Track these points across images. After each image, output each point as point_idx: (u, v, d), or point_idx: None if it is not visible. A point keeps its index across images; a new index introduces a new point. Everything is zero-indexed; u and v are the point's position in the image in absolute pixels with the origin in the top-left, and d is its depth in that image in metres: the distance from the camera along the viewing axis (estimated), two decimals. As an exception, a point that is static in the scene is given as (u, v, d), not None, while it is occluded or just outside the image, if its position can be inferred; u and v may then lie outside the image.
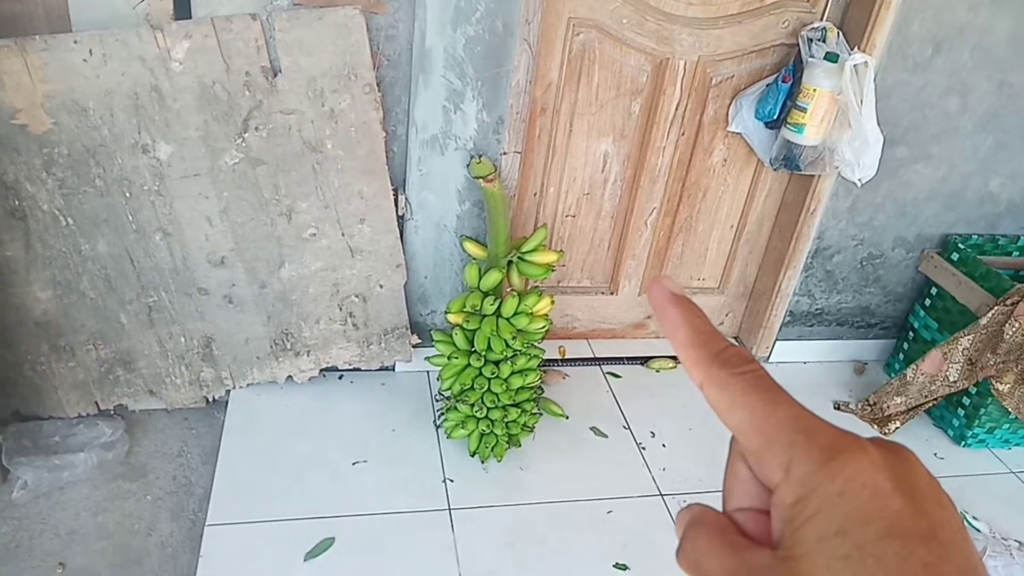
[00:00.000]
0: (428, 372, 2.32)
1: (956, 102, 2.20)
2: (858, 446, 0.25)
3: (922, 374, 2.33)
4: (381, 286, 2.09)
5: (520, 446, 2.08)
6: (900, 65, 2.10)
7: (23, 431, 1.93)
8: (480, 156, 1.95)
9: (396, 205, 2.00)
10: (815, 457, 0.25)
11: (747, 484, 0.29)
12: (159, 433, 2.06)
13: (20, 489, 1.82)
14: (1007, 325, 2.12)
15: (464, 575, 1.76)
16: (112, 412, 2.07)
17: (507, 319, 1.94)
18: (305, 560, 1.73)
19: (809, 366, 2.67)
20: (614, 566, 1.83)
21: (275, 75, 1.75)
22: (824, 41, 2.01)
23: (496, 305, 1.92)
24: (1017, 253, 2.50)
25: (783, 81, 2.05)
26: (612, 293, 2.54)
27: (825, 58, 1.95)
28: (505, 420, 1.97)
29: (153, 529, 1.81)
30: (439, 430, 2.13)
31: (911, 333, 2.57)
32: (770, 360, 2.65)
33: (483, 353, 1.93)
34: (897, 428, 2.39)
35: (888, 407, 2.40)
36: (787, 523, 0.25)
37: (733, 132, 2.23)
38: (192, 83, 1.72)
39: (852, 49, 1.98)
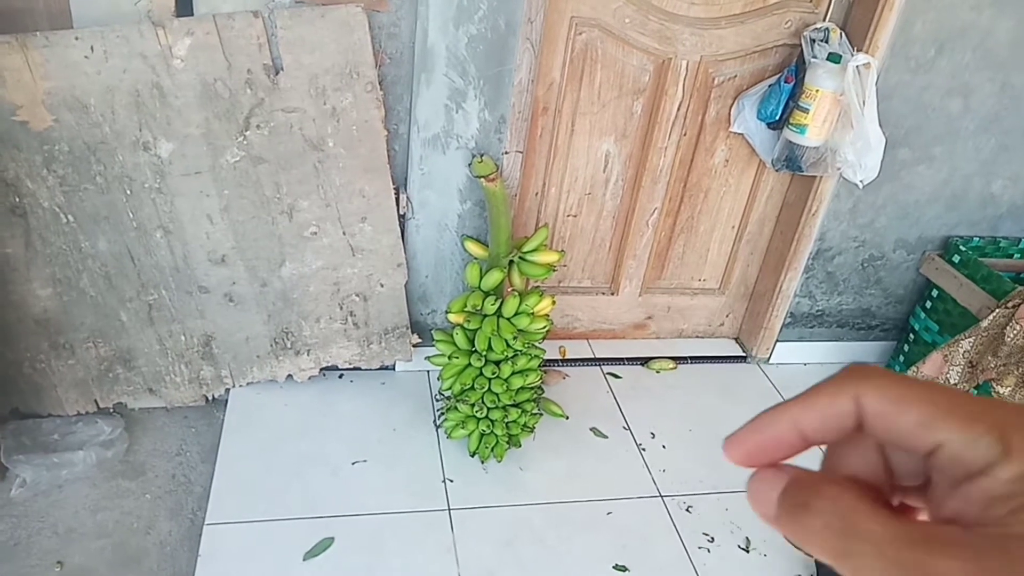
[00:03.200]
0: (428, 372, 2.31)
1: (958, 103, 2.20)
2: None
3: (922, 376, 2.32)
4: (382, 285, 2.08)
5: (520, 446, 2.08)
6: (902, 66, 2.10)
7: (22, 429, 1.93)
8: (482, 155, 1.95)
9: (397, 204, 2.00)
10: None
11: (873, 465, 0.28)
12: (158, 431, 2.06)
13: (19, 487, 1.81)
14: (1008, 328, 2.12)
15: (463, 575, 1.75)
16: (111, 410, 2.06)
17: (508, 319, 1.93)
18: (304, 559, 1.73)
19: (809, 367, 2.67)
20: (614, 567, 1.83)
21: (277, 73, 1.75)
22: (827, 42, 2.01)
23: (497, 305, 1.92)
24: (1018, 255, 2.49)
25: (785, 82, 2.04)
26: (613, 293, 2.54)
27: (828, 59, 1.95)
28: (505, 420, 1.97)
29: (152, 528, 1.80)
30: (439, 430, 2.13)
31: (912, 335, 2.57)
32: (770, 361, 2.65)
33: (484, 353, 1.92)
34: (897, 430, 2.39)
35: (889, 409, 2.39)
36: (1005, 500, 0.24)
37: (735, 132, 2.23)
38: (193, 80, 1.71)
39: (855, 50, 1.98)
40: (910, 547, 0.24)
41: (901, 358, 2.62)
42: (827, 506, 0.25)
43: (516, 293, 1.97)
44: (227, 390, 2.14)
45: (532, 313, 1.95)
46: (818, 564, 1.88)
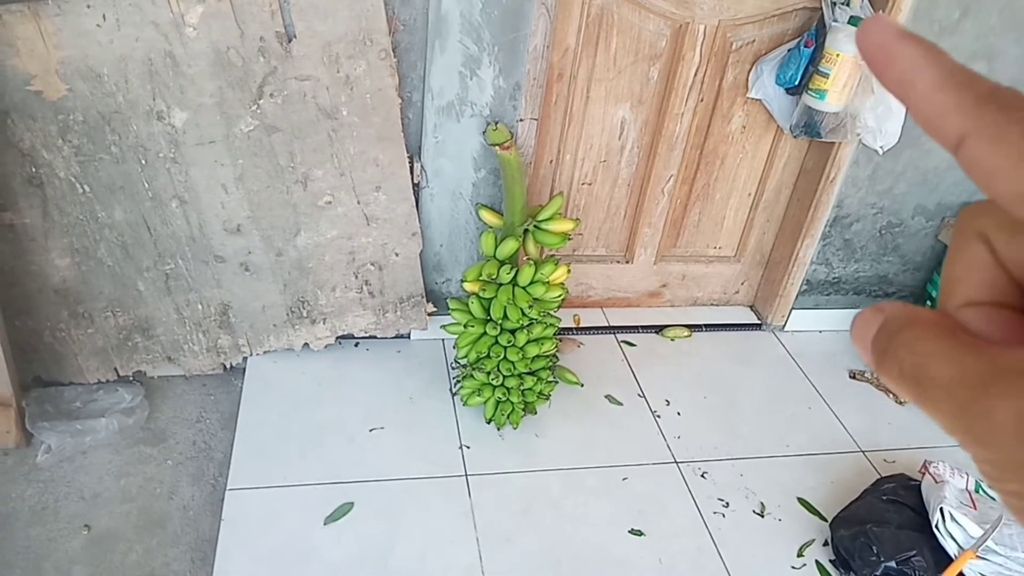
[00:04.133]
0: (444, 340, 2.32)
1: (983, 67, 2.15)
2: None
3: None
4: (397, 254, 2.09)
5: (536, 413, 2.09)
6: (926, 29, 2.05)
7: (45, 396, 1.96)
8: (496, 123, 1.93)
9: (412, 173, 1.99)
10: None
11: (987, 273, 0.23)
12: (178, 399, 2.08)
13: (44, 453, 1.85)
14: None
15: (481, 540, 1.78)
16: (131, 378, 2.09)
17: (523, 288, 1.94)
18: (325, 524, 1.76)
19: (825, 335, 2.66)
20: (629, 532, 1.85)
21: (290, 41, 1.73)
22: (848, 5, 1.96)
23: (512, 274, 1.92)
24: (1039, 222, 2.46)
25: (805, 46, 2.01)
26: (628, 262, 2.53)
27: (849, 22, 1.91)
28: (521, 388, 1.98)
29: (175, 493, 1.84)
30: (455, 397, 2.15)
31: (929, 302, 2.55)
32: (785, 329, 2.64)
33: (499, 322, 1.93)
34: (912, 397, 2.39)
35: (904, 377, 2.39)
36: None
37: (753, 98, 2.20)
38: (206, 49, 1.70)
39: (877, 13, 1.93)
40: (978, 387, 0.20)
41: (917, 326, 2.61)
42: (903, 351, 0.22)
43: (531, 262, 1.97)
44: (244, 359, 2.16)
45: (547, 282, 1.95)
46: (832, 528, 1.90)
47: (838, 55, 1.93)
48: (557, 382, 2.14)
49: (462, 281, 2.00)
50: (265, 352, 2.16)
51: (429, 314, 2.22)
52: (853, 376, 2.48)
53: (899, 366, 0.22)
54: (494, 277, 1.92)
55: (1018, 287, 0.22)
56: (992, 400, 0.20)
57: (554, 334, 2.02)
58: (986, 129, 0.21)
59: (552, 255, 2.15)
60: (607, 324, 2.55)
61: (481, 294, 1.94)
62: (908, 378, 0.22)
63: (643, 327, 2.55)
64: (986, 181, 0.21)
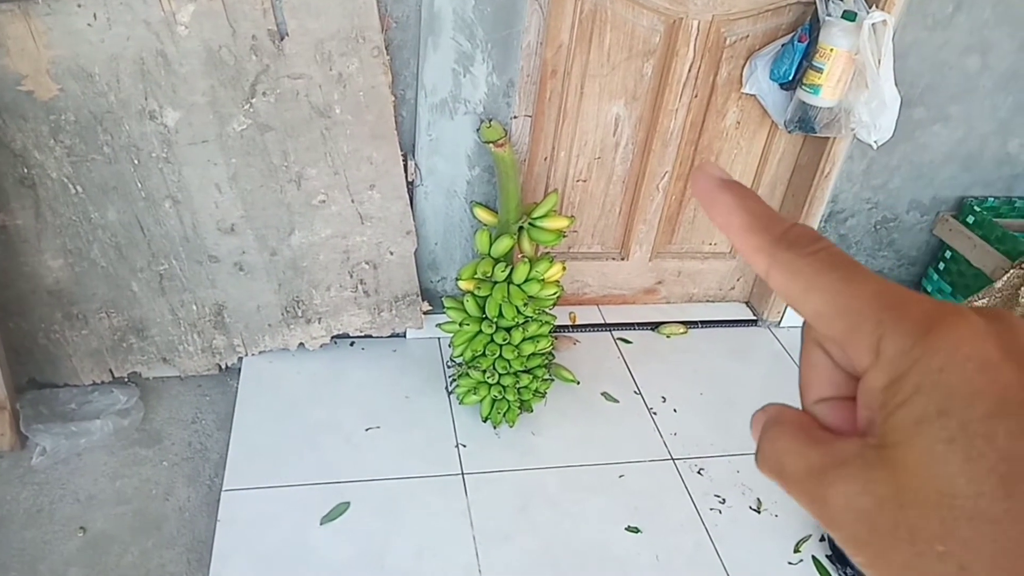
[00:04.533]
0: (439, 339, 2.32)
1: (976, 61, 2.15)
2: (958, 313, 0.22)
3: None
4: (391, 253, 2.08)
5: (532, 411, 2.09)
6: (919, 23, 2.05)
7: (40, 398, 1.95)
8: (490, 120, 1.93)
9: (406, 171, 1.98)
10: (909, 332, 0.22)
11: (827, 372, 0.26)
12: (173, 400, 2.08)
13: (39, 455, 1.84)
14: (1022, 288, 2.10)
15: (478, 538, 1.78)
16: (126, 380, 2.09)
17: (518, 285, 1.93)
18: (321, 524, 1.76)
19: (820, 331, 2.65)
20: (626, 529, 1.85)
21: (282, 39, 1.73)
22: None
23: (507, 271, 1.92)
24: (1034, 216, 2.46)
25: (799, 41, 2.00)
26: (623, 259, 2.53)
27: (843, 16, 1.90)
28: (517, 386, 1.98)
29: (170, 494, 1.83)
30: (451, 396, 2.14)
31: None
32: (781, 325, 2.64)
33: (494, 320, 1.92)
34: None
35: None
36: (879, 409, 0.22)
37: (747, 94, 2.19)
38: (198, 47, 1.69)
39: (870, 7, 1.93)
40: (816, 477, 0.23)
41: (913, 320, 2.61)
42: (768, 448, 0.26)
43: (526, 259, 1.96)
44: (240, 359, 2.15)
45: (542, 279, 1.94)
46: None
47: (832, 50, 1.92)
48: (553, 380, 2.13)
49: (457, 279, 2.00)
50: (260, 352, 2.15)
51: (424, 313, 2.21)
52: (849, 371, 2.48)
53: (765, 461, 0.26)
54: (489, 275, 1.91)
55: (856, 381, 0.25)
56: (828, 487, 0.23)
57: (549, 332, 2.01)
58: (781, 264, 0.25)
59: (547, 252, 2.15)
60: (603, 321, 2.55)
61: (476, 292, 1.93)
62: (773, 472, 0.25)
63: (639, 324, 2.55)
64: (790, 304, 0.26)
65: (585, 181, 2.32)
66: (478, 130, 1.95)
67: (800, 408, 0.27)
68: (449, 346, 2.09)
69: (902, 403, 0.22)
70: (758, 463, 0.26)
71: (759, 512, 1.95)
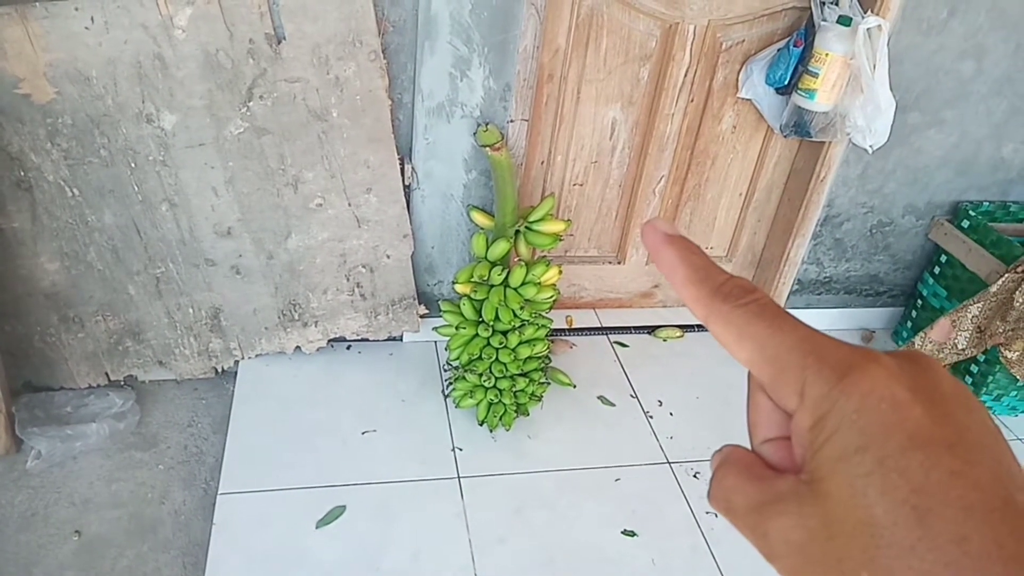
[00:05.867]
0: (436, 342, 2.32)
1: (971, 66, 2.16)
2: (871, 359, 0.24)
3: (930, 342, 2.32)
4: (388, 256, 2.08)
5: (528, 415, 2.09)
6: (914, 28, 2.06)
7: (35, 402, 1.95)
8: (487, 124, 1.93)
9: (402, 174, 1.99)
10: (828, 377, 0.24)
11: (769, 414, 0.28)
12: (169, 403, 2.07)
13: (34, 459, 1.84)
14: (1017, 292, 2.11)
15: (474, 541, 1.78)
16: (122, 383, 2.08)
17: (515, 289, 1.93)
18: (317, 527, 1.75)
19: (817, 334, 2.66)
20: (622, 532, 1.85)
21: (279, 42, 1.73)
22: (837, 4, 1.97)
23: (504, 275, 1.92)
24: (1029, 220, 2.47)
25: (795, 45, 2.01)
26: (619, 263, 2.53)
27: (838, 21, 1.91)
28: (513, 389, 1.98)
29: (166, 498, 1.83)
30: (447, 400, 2.14)
31: (920, 301, 2.56)
32: (777, 329, 2.64)
33: (491, 323, 1.93)
34: (904, 396, 2.39)
35: (896, 375, 2.39)
36: (807, 447, 0.24)
37: (743, 98, 2.20)
38: (195, 51, 1.69)
39: (865, 12, 1.94)
40: (757, 512, 0.25)
41: (909, 324, 2.62)
42: (716, 486, 0.28)
43: (523, 263, 1.96)
44: (236, 362, 2.15)
45: (539, 283, 1.95)
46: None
47: (827, 54, 1.93)
48: (549, 383, 2.13)
49: (453, 283, 2.00)
50: (257, 355, 2.15)
51: (421, 316, 2.21)
52: (845, 375, 2.48)
53: (715, 498, 0.27)
54: (485, 279, 1.91)
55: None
56: (767, 522, 0.25)
57: (546, 335, 2.02)
58: (717, 315, 0.28)
59: (543, 256, 2.15)
60: (599, 325, 2.55)
61: (472, 296, 1.94)
62: (721, 508, 0.27)
63: (635, 328, 2.55)
64: (727, 350, 0.28)
65: (581, 185, 2.32)
66: (475, 134, 1.96)
67: (750, 448, 0.29)
68: (445, 349, 2.09)
69: (825, 441, 0.24)
70: (709, 500, 0.28)
71: (755, 516, 1.95)
